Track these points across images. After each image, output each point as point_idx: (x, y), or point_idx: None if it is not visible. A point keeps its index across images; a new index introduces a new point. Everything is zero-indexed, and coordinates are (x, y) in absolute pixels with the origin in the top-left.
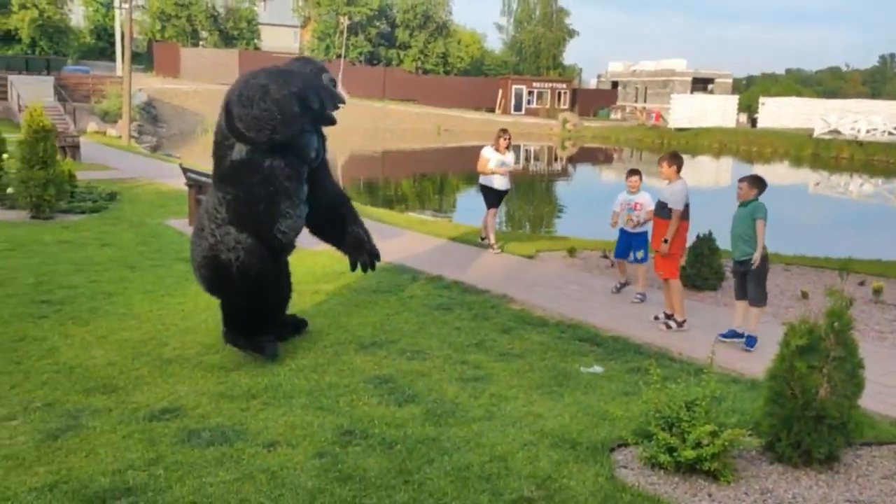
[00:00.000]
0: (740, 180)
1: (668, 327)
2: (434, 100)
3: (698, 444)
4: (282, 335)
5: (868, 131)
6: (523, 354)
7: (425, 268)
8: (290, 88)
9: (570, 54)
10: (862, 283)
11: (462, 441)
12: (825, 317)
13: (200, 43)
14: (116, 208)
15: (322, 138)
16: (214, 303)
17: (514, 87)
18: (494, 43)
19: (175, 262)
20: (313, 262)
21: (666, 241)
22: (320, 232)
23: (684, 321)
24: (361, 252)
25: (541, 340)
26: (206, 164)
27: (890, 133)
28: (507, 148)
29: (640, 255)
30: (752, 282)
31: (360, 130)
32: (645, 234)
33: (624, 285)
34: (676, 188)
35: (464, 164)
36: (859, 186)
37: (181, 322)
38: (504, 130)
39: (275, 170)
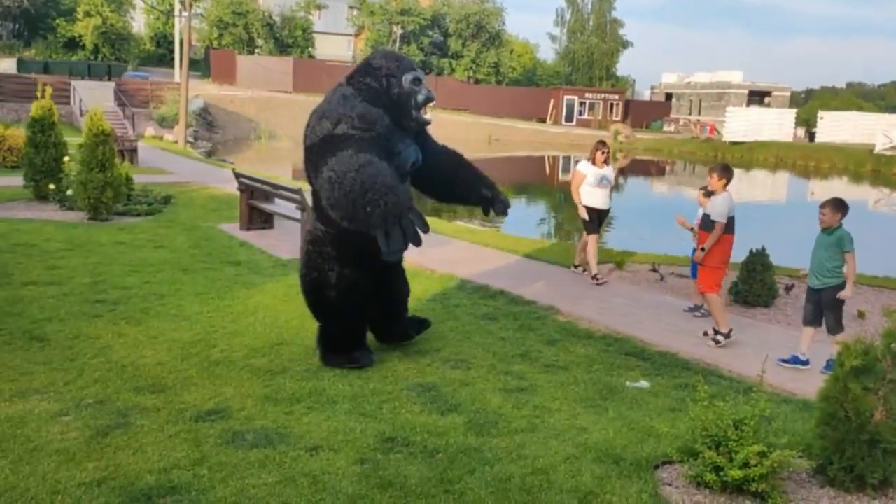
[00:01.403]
0: (822, 205)
1: (717, 343)
2: (485, 109)
3: (746, 465)
4: (406, 336)
5: None
6: (568, 367)
7: (472, 277)
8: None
9: (624, 65)
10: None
11: (504, 452)
12: (882, 337)
13: (256, 51)
14: (171, 211)
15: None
16: (263, 305)
17: (565, 97)
18: (547, 53)
19: (225, 265)
20: None
21: (703, 249)
22: (445, 197)
23: (730, 331)
24: (492, 201)
25: (586, 353)
26: (258, 169)
27: None
28: (606, 162)
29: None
30: (830, 311)
31: None
32: None
33: (698, 307)
34: (719, 200)
35: (514, 174)
36: None
37: (230, 325)
38: (602, 143)
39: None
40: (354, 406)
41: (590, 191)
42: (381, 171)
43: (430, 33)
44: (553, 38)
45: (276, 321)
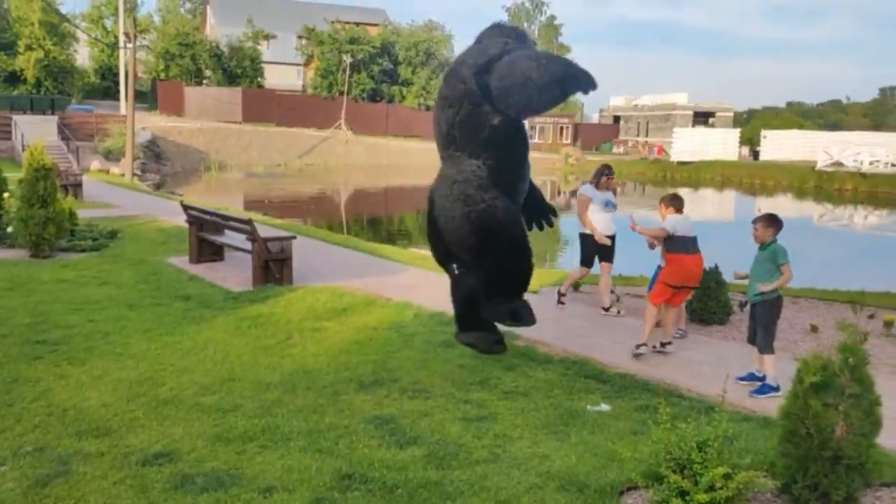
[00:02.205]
0: (754, 221)
1: (637, 355)
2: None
3: (711, 488)
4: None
5: (871, 163)
6: (528, 392)
7: (428, 304)
8: (552, 75)
9: None
10: (872, 317)
11: (465, 485)
12: (839, 352)
13: (204, 81)
14: (117, 246)
15: None
16: (214, 340)
17: None
18: None
19: (174, 300)
20: (314, 298)
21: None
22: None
23: (644, 345)
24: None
25: (546, 378)
26: (208, 200)
27: (893, 165)
28: (609, 187)
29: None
30: (762, 327)
31: (363, 167)
32: None
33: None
34: (670, 218)
35: None
36: (864, 218)
37: (179, 361)
38: (607, 166)
39: (525, 136)
40: (309, 442)
41: (596, 216)
42: None
43: (380, 61)
44: None
45: (227, 356)
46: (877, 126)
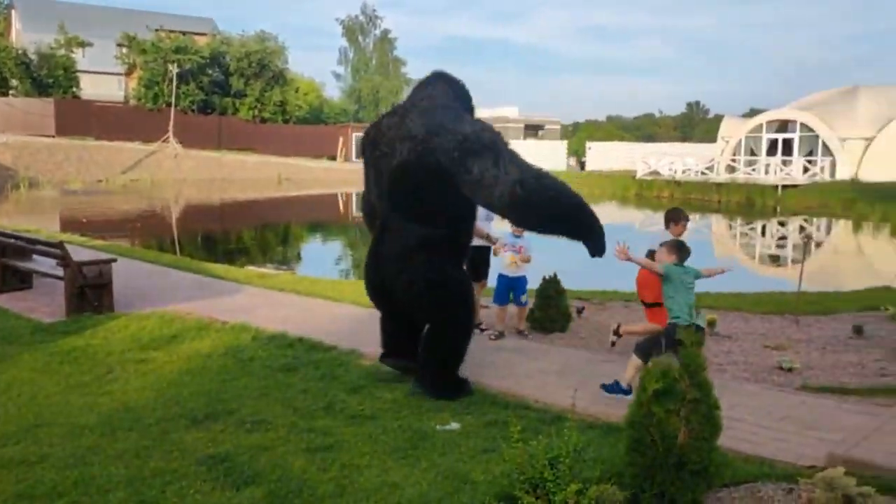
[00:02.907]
0: (661, 244)
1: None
2: (273, 149)
3: None
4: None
5: (683, 171)
6: (375, 415)
7: (267, 325)
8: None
9: None
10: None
11: None
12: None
13: (11, 92)
14: None
15: None
16: (19, 380)
17: (354, 134)
18: (333, 91)
19: None
20: (139, 326)
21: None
22: None
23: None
24: None
25: (393, 398)
26: (18, 223)
27: (702, 173)
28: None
29: (523, 298)
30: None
31: (195, 182)
32: (524, 277)
33: (501, 334)
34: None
35: (308, 213)
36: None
37: None
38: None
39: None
40: (132, 493)
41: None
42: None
43: (210, 72)
44: (338, 76)
45: (33, 398)
46: (685, 138)
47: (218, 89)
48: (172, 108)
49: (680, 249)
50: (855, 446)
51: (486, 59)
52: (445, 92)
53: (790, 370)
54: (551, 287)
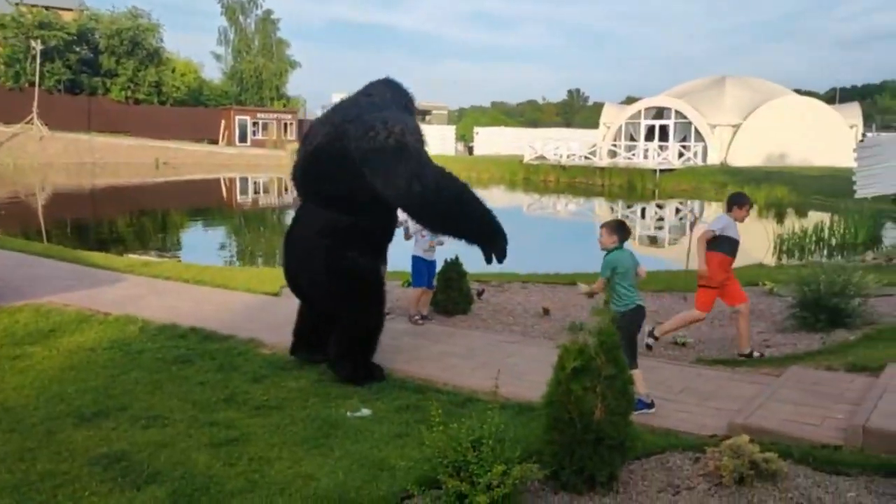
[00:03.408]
0: (601, 226)
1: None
2: (150, 131)
3: (489, 487)
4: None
5: (568, 156)
6: (281, 405)
7: (155, 316)
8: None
9: (294, 85)
10: (591, 296)
11: None
12: (595, 336)
13: None
14: None
15: None
16: None
17: (237, 117)
18: (213, 72)
19: None
20: (12, 320)
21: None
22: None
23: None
24: None
25: (298, 387)
26: None
27: (586, 157)
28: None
29: (434, 281)
30: (623, 339)
31: (64, 166)
32: (436, 261)
33: (426, 317)
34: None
35: (190, 198)
36: (565, 206)
37: None
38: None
39: None
40: (19, 499)
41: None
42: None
43: (78, 49)
44: (218, 57)
45: None
46: (568, 123)
47: (87, 68)
48: (36, 88)
49: (621, 230)
50: (751, 415)
51: (372, 43)
52: (383, 93)
53: (684, 345)
54: (452, 270)
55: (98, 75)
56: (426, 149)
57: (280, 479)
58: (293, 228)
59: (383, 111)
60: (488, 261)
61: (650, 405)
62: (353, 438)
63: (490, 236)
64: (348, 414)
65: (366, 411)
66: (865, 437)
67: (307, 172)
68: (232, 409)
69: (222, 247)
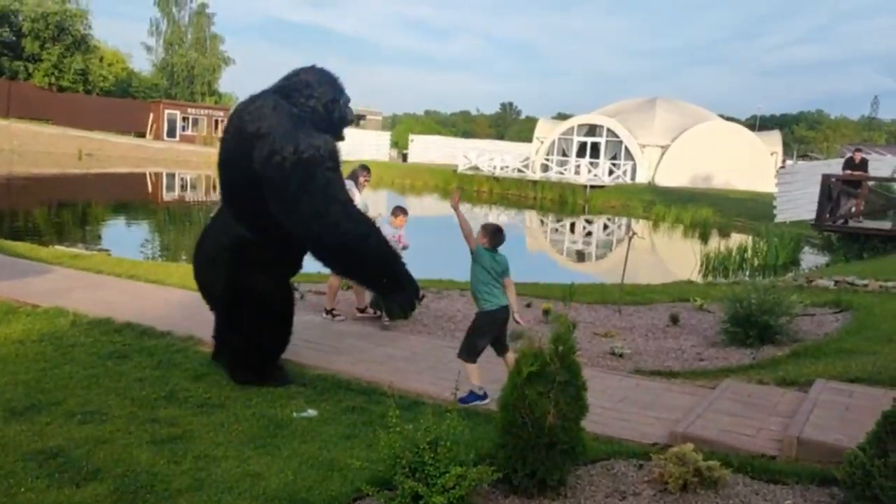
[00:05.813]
0: (481, 226)
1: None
2: (73, 121)
3: (444, 489)
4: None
5: (502, 168)
6: (224, 404)
7: (88, 310)
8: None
9: (227, 82)
10: (528, 305)
11: None
12: (550, 342)
13: None
14: None
15: None
16: None
17: (166, 111)
18: (142, 64)
19: None
20: None
21: None
22: None
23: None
24: None
25: (240, 385)
26: None
27: (519, 170)
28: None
29: None
30: (471, 334)
31: None
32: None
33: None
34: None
35: (114, 192)
36: (497, 217)
37: None
38: (364, 167)
39: None
40: None
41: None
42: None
43: (0, 31)
44: (148, 48)
45: None
46: (500, 136)
47: (8, 51)
48: None
49: (494, 234)
50: (691, 425)
51: (307, 44)
52: (310, 83)
53: (621, 356)
54: None
55: (20, 59)
56: (338, 175)
57: (227, 478)
58: (206, 234)
59: (299, 126)
60: (388, 312)
61: (483, 397)
62: (300, 438)
63: (394, 286)
64: (294, 414)
65: (312, 412)
66: (800, 447)
67: (221, 178)
68: (173, 407)
69: (148, 243)
